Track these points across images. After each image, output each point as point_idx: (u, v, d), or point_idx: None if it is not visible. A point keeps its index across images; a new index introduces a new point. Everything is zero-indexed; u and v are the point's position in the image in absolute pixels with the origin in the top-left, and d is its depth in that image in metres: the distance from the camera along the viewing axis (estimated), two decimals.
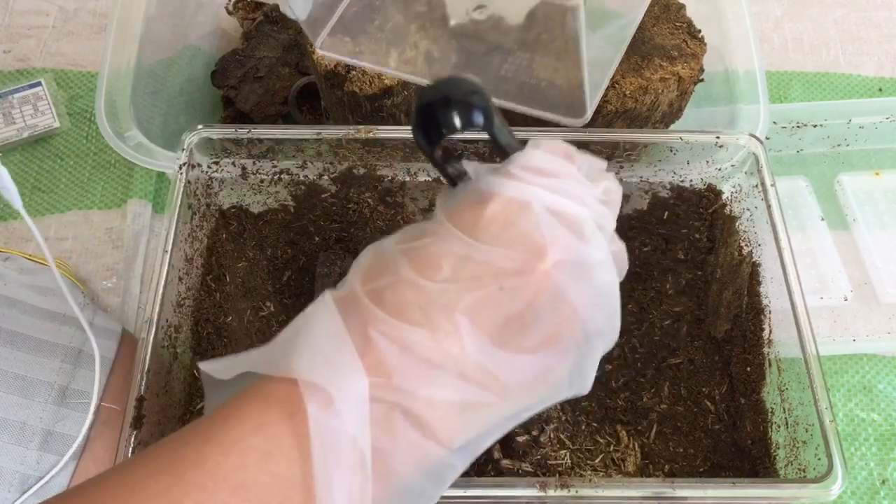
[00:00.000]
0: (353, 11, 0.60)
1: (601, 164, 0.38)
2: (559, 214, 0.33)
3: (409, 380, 0.31)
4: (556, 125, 0.57)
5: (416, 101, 0.36)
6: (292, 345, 0.32)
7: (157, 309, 0.51)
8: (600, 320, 0.35)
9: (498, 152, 0.36)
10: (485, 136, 0.35)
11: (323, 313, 0.33)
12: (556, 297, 0.33)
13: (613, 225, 0.36)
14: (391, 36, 0.59)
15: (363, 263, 0.35)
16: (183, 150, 0.58)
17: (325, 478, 0.30)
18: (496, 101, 0.56)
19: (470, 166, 0.37)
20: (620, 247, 0.37)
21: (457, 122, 0.34)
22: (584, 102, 0.54)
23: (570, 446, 0.52)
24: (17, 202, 0.48)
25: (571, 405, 0.55)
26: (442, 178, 0.37)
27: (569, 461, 0.51)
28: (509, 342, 0.32)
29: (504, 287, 0.32)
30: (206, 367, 0.36)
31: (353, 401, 0.30)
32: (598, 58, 0.57)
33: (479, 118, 0.34)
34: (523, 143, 0.36)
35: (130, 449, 0.46)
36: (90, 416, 0.55)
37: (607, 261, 0.35)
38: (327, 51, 0.60)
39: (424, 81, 0.58)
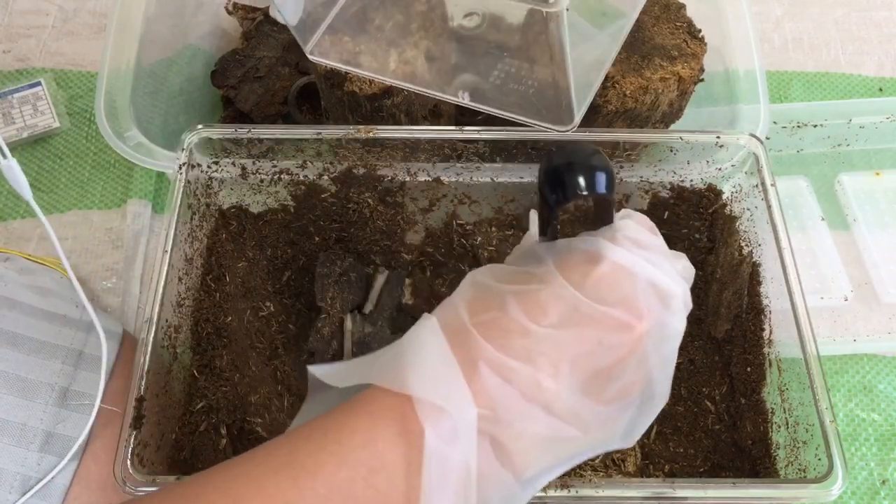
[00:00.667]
0: (352, 11, 0.60)
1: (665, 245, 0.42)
2: (655, 286, 0.36)
3: (507, 413, 0.33)
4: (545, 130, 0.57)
5: (545, 163, 0.38)
6: (402, 362, 0.35)
7: (156, 309, 0.51)
8: (663, 384, 0.37)
9: (601, 222, 0.39)
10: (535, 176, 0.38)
11: (432, 337, 0.35)
12: (641, 359, 0.36)
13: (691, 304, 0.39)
14: (391, 35, 0.59)
15: (468, 296, 0.37)
16: (183, 149, 0.57)
17: (432, 499, 0.32)
18: (485, 108, 0.58)
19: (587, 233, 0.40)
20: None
21: (580, 181, 0.37)
22: (572, 110, 0.54)
23: None
24: (27, 194, 0.48)
25: None
26: (543, 232, 0.40)
27: None
28: (594, 391, 0.35)
29: (603, 342, 0.35)
30: (318, 371, 0.38)
31: (466, 426, 0.33)
32: (592, 58, 0.57)
33: (600, 182, 0.37)
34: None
35: (130, 449, 0.46)
36: (92, 417, 0.55)
37: (682, 334, 0.38)
38: (321, 55, 0.60)
39: (417, 88, 0.58)
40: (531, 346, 0.34)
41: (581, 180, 0.37)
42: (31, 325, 0.58)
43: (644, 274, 0.36)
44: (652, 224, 0.40)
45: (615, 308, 0.35)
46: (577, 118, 0.55)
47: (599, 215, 0.39)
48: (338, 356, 0.59)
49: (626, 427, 0.37)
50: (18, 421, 0.54)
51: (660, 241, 0.39)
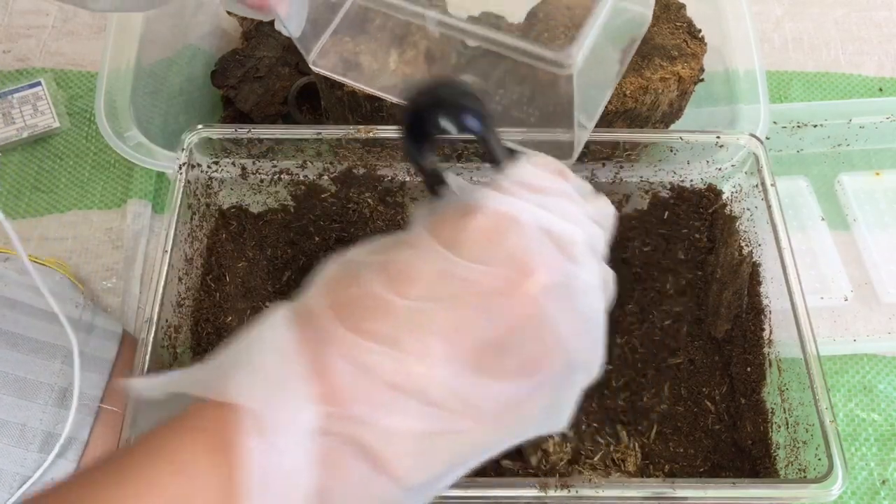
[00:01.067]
0: (353, 11, 0.60)
1: (589, 187, 0.36)
2: (550, 233, 0.31)
3: (366, 408, 0.27)
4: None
5: (405, 102, 0.33)
6: (233, 364, 0.29)
7: (156, 309, 0.51)
8: (585, 351, 0.32)
9: (489, 161, 0.35)
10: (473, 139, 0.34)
11: (273, 328, 0.30)
12: (541, 323, 0.30)
13: (605, 249, 0.34)
14: (392, 36, 0.59)
15: (328, 274, 0.32)
16: (183, 149, 0.57)
17: None
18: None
19: (454, 180, 0.34)
20: (609, 274, 0.35)
21: (446, 124, 0.32)
22: (572, 148, 0.54)
23: (570, 446, 0.52)
24: None
25: None
26: (426, 188, 0.36)
27: (569, 461, 0.51)
28: (485, 368, 0.29)
29: (484, 308, 0.29)
30: (135, 385, 0.32)
31: (295, 433, 0.27)
32: (591, 101, 0.57)
33: (471, 121, 0.33)
34: (513, 154, 0.35)
35: None
36: (91, 417, 0.55)
37: (597, 286, 0.32)
38: (323, 65, 0.59)
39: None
40: (396, 324, 0.28)
41: (441, 119, 0.32)
42: (31, 326, 0.58)
43: (534, 220, 0.31)
44: (559, 166, 0.34)
45: (495, 265, 0.29)
46: (576, 156, 0.55)
47: (487, 160, 0.34)
48: None
49: (546, 407, 0.31)
50: (18, 421, 0.54)
51: (563, 182, 0.33)
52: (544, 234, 0.31)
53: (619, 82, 0.59)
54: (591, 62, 0.48)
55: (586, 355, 0.32)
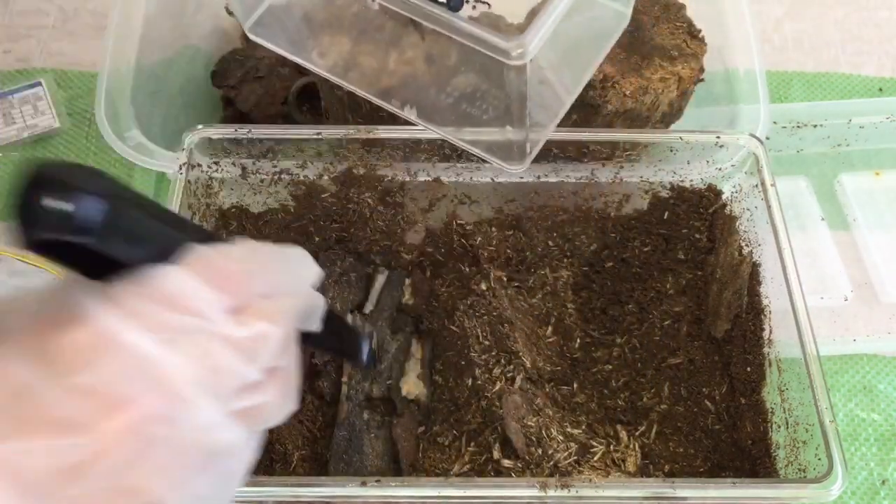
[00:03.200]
0: (352, 11, 0.59)
1: (304, 274, 0.33)
2: (154, 368, 0.27)
3: None
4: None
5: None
6: None
7: None
8: (199, 488, 0.28)
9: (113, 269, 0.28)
10: None
11: None
12: (124, 465, 0.26)
13: (254, 374, 0.30)
14: (390, 36, 0.59)
15: None
16: (183, 150, 0.57)
17: None
18: (434, 127, 0.51)
19: (70, 275, 0.29)
20: (277, 391, 0.31)
21: (43, 215, 0.24)
22: (525, 151, 0.50)
23: (571, 446, 0.52)
24: None
25: (571, 405, 0.55)
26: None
27: (569, 461, 0.51)
28: (58, 487, 0.25)
29: (55, 442, 0.25)
30: None
31: None
32: (549, 100, 0.52)
33: (86, 209, 0.25)
34: (169, 251, 0.29)
35: None
36: None
37: (219, 423, 0.28)
38: (259, 34, 0.55)
39: (352, 87, 0.54)
40: None
41: (42, 213, 0.24)
42: None
43: (142, 351, 0.27)
44: (235, 272, 0.30)
45: (80, 393, 0.26)
46: (528, 161, 0.51)
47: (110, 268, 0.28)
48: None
49: None
50: None
51: (220, 301, 0.29)
52: (150, 363, 0.27)
53: (618, 83, 0.59)
54: (552, 56, 0.46)
55: (202, 491, 0.28)
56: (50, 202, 0.25)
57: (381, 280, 0.62)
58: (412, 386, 0.56)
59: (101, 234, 0.26)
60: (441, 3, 0.46)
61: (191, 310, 0.28)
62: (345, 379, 0.55)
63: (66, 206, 0.25)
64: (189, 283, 0.28)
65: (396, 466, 0.52)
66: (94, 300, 0.27)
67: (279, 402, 0.32)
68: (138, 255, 0.28)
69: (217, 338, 0.29)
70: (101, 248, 0.26)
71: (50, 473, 0.25)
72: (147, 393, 0.27)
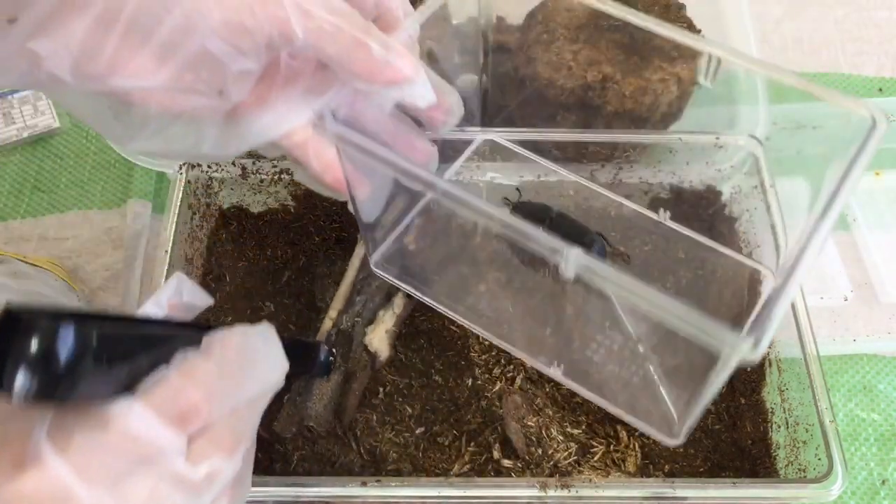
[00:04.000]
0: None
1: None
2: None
3: None
4: None
5: None
6: None
7: None
8: None
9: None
10: None
11: None
12: None
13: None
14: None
15: None
16: None
17: None
18: (583, 389, 0.47)
19: (16, 402, 0.26)
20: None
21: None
22: (674, 423, 0.46)
23: (571, 446, 0.52)
24: None
25: (571, 405, 0.55)
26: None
27: (569, 461, 0.51)
28: None
29: None
30: None
31: None
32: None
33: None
34: (136, 373, 0.30)
35: None
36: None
37: None
38: (382, 269, 0.53)
39: (499, 342, 0.50)
40: None
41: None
42: None
43: None
44: (195, 403, 0.30)
45: None
46: (683, 437, 0.46)
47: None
48: None
49: None
50: None
51: (180, 438, 0.29)
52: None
53: (618, 83, 0.59)
54: None
55: None
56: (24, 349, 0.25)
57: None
58: (377, 341, 0.54)
59: (65, 373, 0.26)
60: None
61: (146, 451, 0.28)
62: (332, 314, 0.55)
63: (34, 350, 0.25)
64: (146, 422, 0.28)
65: (337, 422, 0.52)
66: (45, 442, 0.26)
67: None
68: (101, 390, 0.28)
69: (168, 479, 0.28)
70: (64, 388, 0.26)
71: None
72: None
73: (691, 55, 0.62)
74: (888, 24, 0.88)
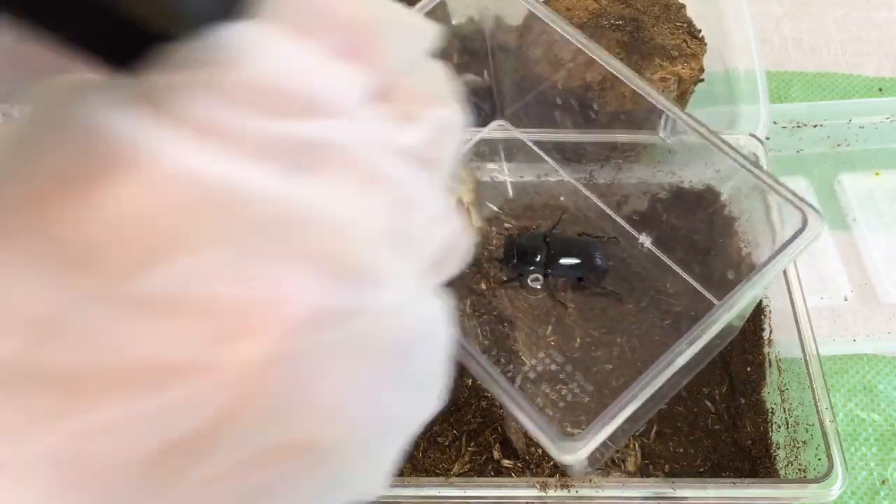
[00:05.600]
0: None
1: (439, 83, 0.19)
2: (295, 222, 0.14)
3: None
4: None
5: None
6: None
7: None
8: (393, 406, 0.17)
9: None
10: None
11: None
12: (279, 407, 0.14)
13: (442, 196, 0.18)
14: None
15: None
16: None
17: None
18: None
19: (67, 77, 0.17)
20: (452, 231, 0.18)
21: None
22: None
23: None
24: None
25: (571, 405, 0.55)
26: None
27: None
28: (172, 474, 0.14)
29: (139, 406, 0.13)
30: None
31: None
32: None
33: None
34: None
35: None
36: None
37: (412, 299, 0.16)
38: None
39: None
40: None
41: None
42: None
43: (259, 200, 0.14)
44: (348, 15, 0.16)
45: (166, 314, 0.13)
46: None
47: None
48: None
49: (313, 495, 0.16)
50: None
51: (351, 73, 0.16)
52: (286, 225, 0.14)
53: (617, 83, 0.59)
54: None
55: (404, 408, 0.17)
56: None
57: None
58: None
59: None
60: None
61: (319, 104, 0.15)
62: None
63: None
64: (297, 53, 0.15)
65: None
66: (130, 116, 0.14)
67: (462, 234, 0.19)
68: (182, 6, 0.14)
69: (385, 152, 0.16)
70: None
71: (141, 461, 0.14)
72: (295, 278, 0.14)
73: (692, 54, 0.62)
74: (888, 24, 0.88)
